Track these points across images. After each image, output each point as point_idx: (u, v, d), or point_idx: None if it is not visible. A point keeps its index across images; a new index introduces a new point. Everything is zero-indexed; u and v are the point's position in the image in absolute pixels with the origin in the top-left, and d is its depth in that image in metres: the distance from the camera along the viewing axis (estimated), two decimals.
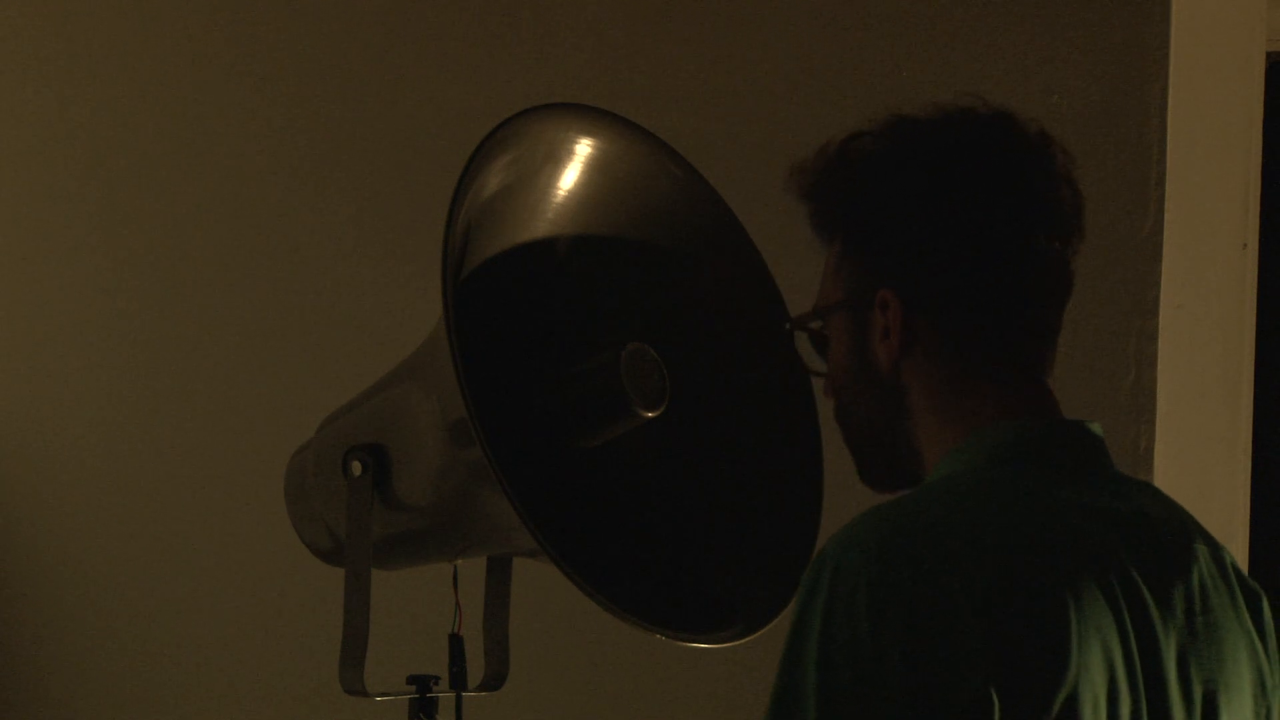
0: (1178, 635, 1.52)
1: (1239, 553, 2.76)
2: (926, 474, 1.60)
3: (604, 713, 2.89)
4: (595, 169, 1.98)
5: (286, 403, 3.00)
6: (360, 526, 1.94)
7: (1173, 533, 1.57)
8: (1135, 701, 1.47)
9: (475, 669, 2.05)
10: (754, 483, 2.02)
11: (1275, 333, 2.92)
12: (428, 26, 3.00)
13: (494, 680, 2.07)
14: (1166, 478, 2.66)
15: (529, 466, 1.96)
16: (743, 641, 1.91)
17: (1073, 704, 1.42)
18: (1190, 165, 2.71)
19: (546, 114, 1.95)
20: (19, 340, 3.17)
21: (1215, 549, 1.60)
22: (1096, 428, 1.59)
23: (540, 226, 1.99)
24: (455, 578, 2.04)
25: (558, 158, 1.96)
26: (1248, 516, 2.81)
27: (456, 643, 2.03)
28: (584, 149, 1.97)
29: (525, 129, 1.91)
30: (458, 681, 2.03)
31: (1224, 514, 2.75)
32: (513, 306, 2.02)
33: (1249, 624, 1.58)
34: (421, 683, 2.01)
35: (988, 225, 1.57)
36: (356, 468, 1.94)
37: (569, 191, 1.98)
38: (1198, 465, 2.74)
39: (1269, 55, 2.87)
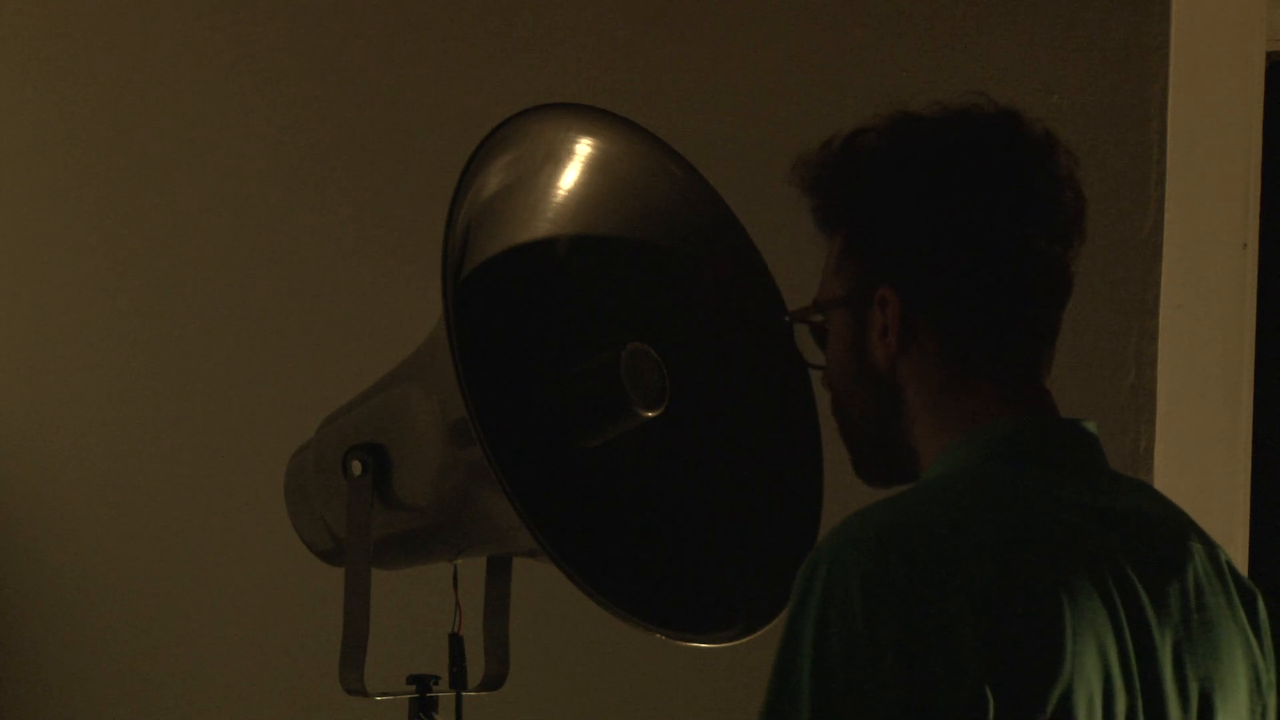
0: (1173, 633, 1.52)
1: (1239, 553, 2.76)
2: (922, 471, 1.60)
3: (604, 713, 2.89)
4: (595, 169, 1.98)
5: (286, 403, 3.00)
6: (360, 526, 1.94)
7: (1168, 531, 1.57)
8: (1131, 699, 1.47)
9: (475, 669, 2.05)
10: (754, 483, 2.03)
11: (1275, 333, 2.91)
12: (428, 27, 3.00)
13: (494, 680, 2.07)
14: (1166, 478, 2.66)
15: (529, 466, 1.96)
16: (743, 641, 1.91)
17: (1067, 702, 1.42)
18: (1190, 165, 2.71)
19: (546, 114, 1.95)
20: (19, 340, 3.17)
21: (1211, 547, 1.60)
22: (1092, 426, 1.59)
23: (540, 226, 1.99)
24: (455, 578, 2.04)
25: (558, 158, 1.96)
26: (1248, 516, 2.81)
27: (456, 643, 2.03)
28: (584, 149, 1.97)
29: (525, 129, 1.91)
30: (458, 681, 2.03)
31: (1224, 514, 2.75)
32: (513, 306, 2.02)
33: (1244, 622, 1.59)
34: (421, 683, 2.01)
35: (987, 226, 1.57)
36: (356, 467, 1.94)
37: (569, 191, 1.98)
38: (1198, 465, 2.74)
39: (1269, 55, 2.87)
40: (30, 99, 3.18)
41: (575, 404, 1.98)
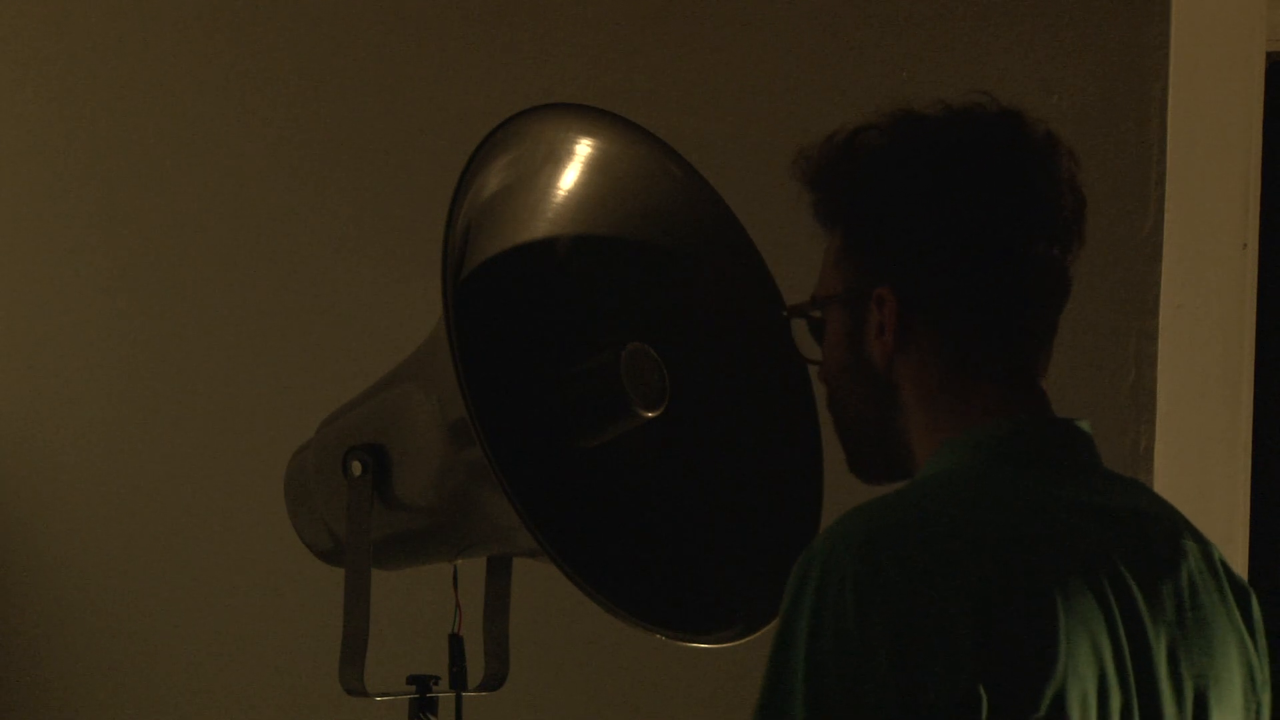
0: (1168, 632, 1.52)
1: (1239, 553, 2.76)
2: (917, 469, 1.60)
3: (604, 713, 2.89)
4: (595, 169, 1.98)
5: (286, 403, 3.00)
6: (360, 526, 1.94)
7: (1162, 530, 1.57)
8: (1126, 697, 1.47)
9: (475, 669, 2.05)
10: (754, 483, 2.03)
11: (1275, 333, 2.92)
12: (428, 27, 3.00)
13: (494, 680, 2.07)
14: (1166, 478, 2.66)
15: (529, 466, 1.96)
16: (743, 641, 1.91)
17: (1061, 701, 1.42)
18: (1190, 165, 2.71)
19: (546, 114, 1.95)
20: (19, 340, 3.18)
21: (1204, 546, 1.60)
22: (1086, 425, 1.59)
23: (540, 226, 1.99)
24: (455, 578, 2.04)
25: (558, 158, 1.96)
26: (1248, 516, 2.81)
27: (456, 643, 2.03)
28: (584, 149, 1.97)
29: (525, 129, 1.91)
30: (458, 681, 2.03)
31: (1224, 514, 2.75)
32: (513, 306, 2.02)
33: (1239, 620, 1.59)
34: (421, 683, 2.01)
35: (987, 227, 1.57)
36: (356, 467, 1.94)
37: (569, 191, 1.98)
38: (1198, 465, 2.74)
39: (1269, 55, 2.87)
40: (30, 99, 3.18)
41: (575, 404, 1.98)
